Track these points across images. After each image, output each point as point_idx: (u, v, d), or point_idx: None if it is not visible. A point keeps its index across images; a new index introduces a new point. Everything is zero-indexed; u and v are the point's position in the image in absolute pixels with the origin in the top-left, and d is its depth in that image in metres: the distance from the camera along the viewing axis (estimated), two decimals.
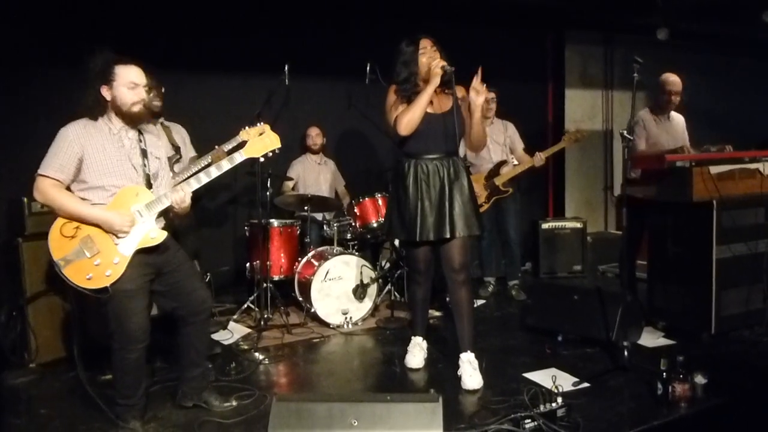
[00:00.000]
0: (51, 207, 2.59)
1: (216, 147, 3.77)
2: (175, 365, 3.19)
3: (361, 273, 4.33)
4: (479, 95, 3.02)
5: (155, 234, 2.64)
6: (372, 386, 3.29)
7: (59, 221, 2.57)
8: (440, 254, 3.19)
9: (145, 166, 2.69)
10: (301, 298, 4.37)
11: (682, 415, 2.73)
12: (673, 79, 4.10)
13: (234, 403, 2.93)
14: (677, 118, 4.26)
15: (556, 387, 2.76)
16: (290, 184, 4.95)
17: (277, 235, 4.53)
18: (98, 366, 3.17)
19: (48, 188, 2.54)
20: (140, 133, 2.75)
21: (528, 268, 5.85)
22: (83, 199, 2.59)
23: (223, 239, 5.17)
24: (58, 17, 4.29)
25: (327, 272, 4.24)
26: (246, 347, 3.83)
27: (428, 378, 3.31)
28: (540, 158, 4.72)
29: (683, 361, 2.80)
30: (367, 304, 4.37)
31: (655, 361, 2.95)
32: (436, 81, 3.03)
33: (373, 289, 4.38)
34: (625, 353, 3.22)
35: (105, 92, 2.59)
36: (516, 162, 4.82)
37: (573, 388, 3.01)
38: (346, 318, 4.25)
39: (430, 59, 3.08)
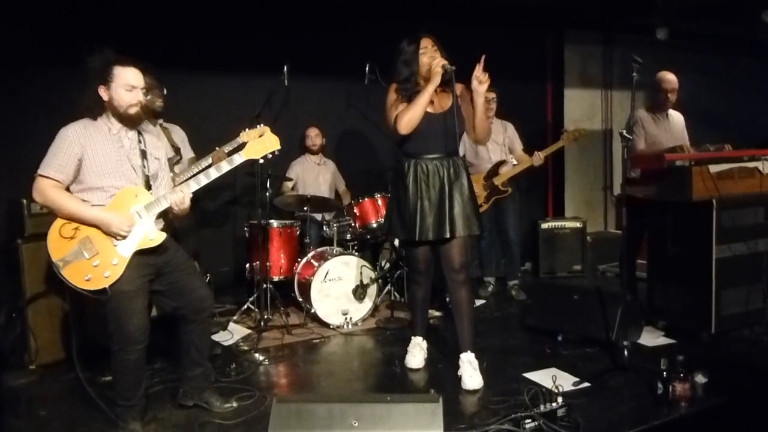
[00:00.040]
0: (50, 208, 2.59)
1: (217, 148, 3.78)
2: (175, 366, 3.20)
3: (360, 273, 4.33)
4: (482, 84, 3.00)
5: (154, 235, 2.64)
6: (372, 387, 3.29)
7: (58, 222, 2.56)
8: (440, 254, 3.19)
9: (144, 167, 2.69)
10: (300, 299, 4.37)
11: (683, 415, 2.73)
12: (669, 77, 4.10)
13: (234, 404, 2.92)
14: (676, 117, 4.26)
15: (557, 387, 2.76)
16: (290, 184, 4.95)
17: (276, 236, 4.53)
18: (98, 367, 3.17)
19: (47, 189, 2.54)
20: (140, 133, 2.74)
21: (528, 268, 5.85)
22: (82, 200, 2.59)
23: (223, 240, 5.17)
24: (58, 17, 4.29)
25: (327, 273, 4.24)
26: (246, 348, 3.83)
27: (428, 378, 3.31)
28: (539, 157, 4.72)
29: (683, 361, 2.80)
30: (367, 304, 4.36)
31: (656, 360, 2.95)
32: (436, 80, 3.03)
33: (372, 290, 4.38)
34: (625, 353, 3.22)
35: (102, 92, 2.59)
36: (515, 162, 4.82)
37: (573, 387, 3.01)
38: (346, 318, 4.25)
39: (431, 59, 3.07)
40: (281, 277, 4.52)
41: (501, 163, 4.81)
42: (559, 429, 2.55)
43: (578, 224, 5.67)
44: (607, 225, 6.89)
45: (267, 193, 4.37)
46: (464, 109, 3.18)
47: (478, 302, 4.71)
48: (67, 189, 2.60)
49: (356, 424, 2.28)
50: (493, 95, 4.71)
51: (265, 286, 4.22)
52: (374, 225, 4.54)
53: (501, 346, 3.77)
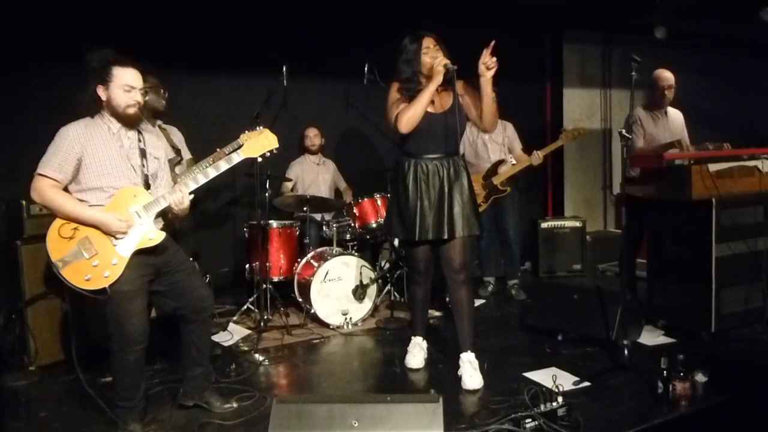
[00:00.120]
0: (48, 207, 2.59)
1: (217, 149, 3.78)
2: (175, 366, 3.19)
3: (360, 273, 4.33)
4: (489, 70, 2.97)
5: (153, 235, 2.64)
6: (372, 387, 3.29)
7: (57, 222, 2.56)
8: (440, 254, 3.19)
9: (143, 166, 2.69)
10: (300, 299, 4.36)
11: (683, 414, 2.73)
12: (665, 75, 4.10)
13: (234, 405, 2.92)
14: (675, 115, 4.26)
15: (557, 386, 2.76)
16: (289, 185, 4.95)
17: (276, 236, 4.52)
18: (98, 368, 3.16)
19: (45, 188, 2.54)
20: (140, 132, 2.74)
21: (527, 267, 5.85)
22: (81, 200, 2.59)
23: (223, 240, 5.17)
24: (58, 17, 4.29)
25: (326, 273, 4.24)
26: (246, 348, 3.82)
27: (428, 378, 3.31)
28: (538, 157, 4.71)
29: (683, 360, 2.80)
30: (367, 304, 4.36)
31: (656, 359, 2.95)
32: (438, 79, 3.03)
33: (372, 290, 4.38)
34: (625, 352, 3.21)
35: (101, 92, 2.59)
36: (514, 161, 4.82)
37: (573, 387, 3.01)
38: (345, 319, 4.25)
39: (433, 58, 3.07)
40: (281, 277, 4.51)
41: (500, 162, 4.81)
42: (559, 428, 2.55)
43: (578, 223, 5.67)
44: (607, 224, 6.89)
45: (266, 194, 4.37)
46: (466, 103, 3.18)
47: (478, 302, 4.71)
48: (66, 189, 2.59)
49: (356, 425, 2.28)
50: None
51: (264, 286, 4.21)
52: (374, 225, 4.54)
53: (501, 345, 3.77)
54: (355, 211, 4.60)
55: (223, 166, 2.75)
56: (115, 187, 2.60)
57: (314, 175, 5.06)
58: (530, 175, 5.49)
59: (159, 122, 3.81)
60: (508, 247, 4.99)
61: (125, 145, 2.66)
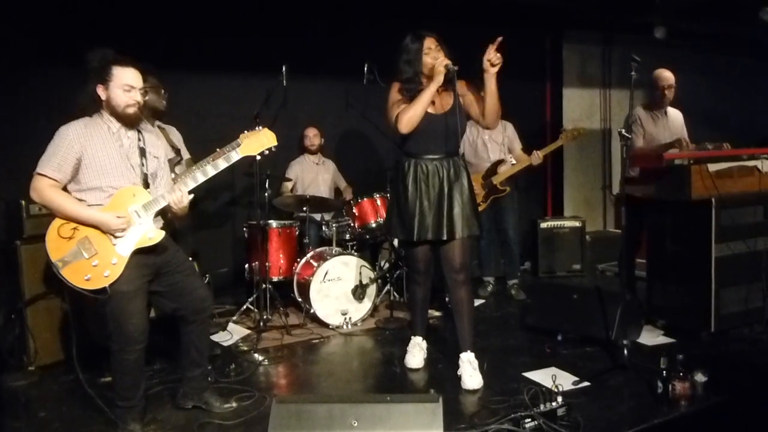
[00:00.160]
0: (47, 207, 2.59)
1: (217, 149, 3.77)
2: (175, 367, 3.19)
3: (360, 273, 4.33)
4: (494, 66, 2.97)
5: (153, 234, 2.64)
6: (372, 387, 3.29)
7: (56, 222, 2.56)
8: (440, 254, 3.19)
9: (143, 165, 2.69)
10: (300, 299, 4.36)
11: (683, 414, 2.73)
12: (665, 74, 4.10)
13: (234, 405, 2.92)
14: (674, 114, 4.26)
15: (556, 386, 2.76)
16: (289, 184, 4.95)
17: (275, 236, 4.52)
18: (97, 368, 3.16)
19: (45, 188, 2.53)
20: (140, 132, 2.74)
21: (527, 267, 5.85)
22: (80, 200, 2.59)
23: (222, 240, 5.16)
24: (58, 17, 4.28)
25: (326, 273, 4.24)
26: (245, 348, 3.82)
27: (428, 378, 3.31)
28: (537, 156, 4.71)
29: (683, 360, 2.80)
30: (367, 304, 4.36)
31: (655, 359, 2.95)
32: (439, 79, 3.03)
33: (372, 290, 4.38)
34: (625, 352, 3.22)
35: (100, 91, 2.59)
36: (513, 161, 4.82)
37: (573, 387, 3.01)
38: (345, 319, 4.25)
39: (434, 59, 3.06)
40: (280, 277, 4.51)
41: (499, 162, 4.81)
42: (559, 428, 2.55)
43: (577, 223, 5.67)
44: (606, 224, 6.89)
45: (266, 194, 4.36)
46: (468, 102, 3.17)
47: (478, 302, 4.71)
48: (65, 188, 2.59)
49: (356, 424, 2.28)
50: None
51: (264, 286, 4.21)
52: (373, 225, 4.55)
53: (501, 345, 3.77)
54: (354, 211, 4.60)
55: (222, 164, 2.75)
56: (114, 187, 2.60)
57: (314, 175, 5.06)
58: (530, 175, 5.49)
59: (157, 122, 3.81)
60: (508, 247, 4.99)
61: (125, 144, 2.66)
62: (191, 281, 2.81)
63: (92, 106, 2.61)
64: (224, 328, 4.13)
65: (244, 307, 4.38)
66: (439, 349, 3.64)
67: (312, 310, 4.21)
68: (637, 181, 4.00)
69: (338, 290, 4.27)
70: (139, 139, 2.71)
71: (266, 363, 3.59)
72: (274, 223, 4.54)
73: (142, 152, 2.70)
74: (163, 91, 3.65)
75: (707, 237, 3.61)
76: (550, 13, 5.94)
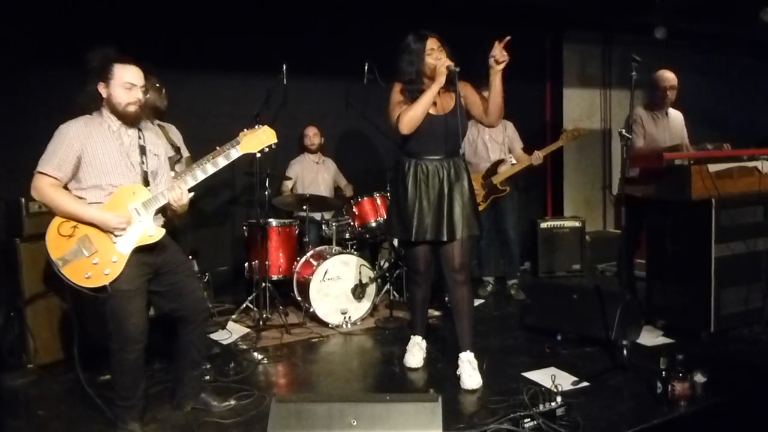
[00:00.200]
0: (47, 205, 2.59)
1: (217, 148, 3.76)
2: (174, 367, 3.19)
3: (359, 273, 4.33)
4: (499, 63, 2.98)
5: (153, 232, 2.64)
6: (371, 386, 3.29)
7: (56, 220, 2.56)
8: (440, 254, 3.19)
9: (143, 163, 2.69)
10: (299, 298, 4.36)
11: (682, 414, 2.73)
12: (667, 75, 4.09)
13: (233, 403, 2.92)
14: (675, 115, 4.26)
15: (556, 386, 2.76)
16: (289, 183, 4.95)
17: (275, 235, 4.52)
18: (97, 367, 3.16)
19: (45, 187, 2.53)
20: (140, 130, 2.74)
21: (527, 267, 5.84)
22: (80, 198, 2.59)
23: (222, 239, 5.16)
24: (58, 17, 4.28)
25: (326, 272, 4.24)
26: (245, 347, 3.83)
27: (427, 378, 3.31)
28: (538, 157, 4.71)
29: (683, 360, 2.79)
30: (366, 303, 4.36)
31: (655, 359, 2.95)
32: (441, 80, 3.02)
33: (371, 289, 4.38)
34: (625, 352, 3.21)
35: (102, 89, 2.59)
36: (513, 161, 4.82)
37: (572, 387, 3.00)
38: (345, 318, 4.25)
39: (437, 60, 3.05)
40: (280, 276, 4.51)
41: (499, 162, 4.81)
42: (558, 428, 2.55)
43: (577, 223, 5.67)
44: (606, 224, 6.89)
45: (266, 193, 4.37)
46: (470, 101, 3.17)
47: (477, 302, 4.71)
48: (65, 187, 2.59)
49: (355, 424, 2.28)
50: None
51: (264, 285, 4.22)
52: (373, 224, 4.55)
53: (500, 345, 3.77)
54: (354, 210, 4.60)
55: (222, 162, 2.75)
56: (114, 185, 2.60)
57: (314, 174, 5.06)
58: (530, 175, 5.48)
59: (157, 120, 3.81)
60: (508, 246, 4.99)
61: (125, 142, 2.66)
62: (191, 282, 2.81)
63: (92, 105, 2.61)
64: (223, 327, 4.13)
65: (244, 305, 4.38)
66: (438, 348, 3.64)
67: (311, 309, 4.22)
68: (637, 181, 3.99)
69: (338, 289, 4.27)
70: (140, 138, 2.71)
71: (265, 362, 3.59)
72: (273, 222, 4.54)
73: (143, 150, 2.70)
74: (163, 91, 3.66)
75: (707, 237, 3.61)
76: (550, 13, 5.94)
